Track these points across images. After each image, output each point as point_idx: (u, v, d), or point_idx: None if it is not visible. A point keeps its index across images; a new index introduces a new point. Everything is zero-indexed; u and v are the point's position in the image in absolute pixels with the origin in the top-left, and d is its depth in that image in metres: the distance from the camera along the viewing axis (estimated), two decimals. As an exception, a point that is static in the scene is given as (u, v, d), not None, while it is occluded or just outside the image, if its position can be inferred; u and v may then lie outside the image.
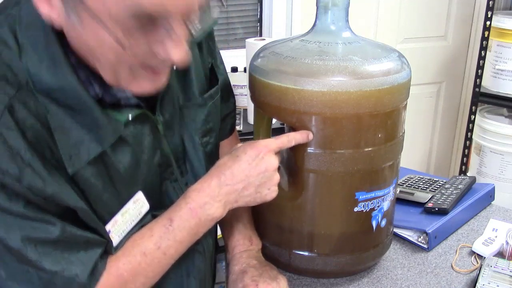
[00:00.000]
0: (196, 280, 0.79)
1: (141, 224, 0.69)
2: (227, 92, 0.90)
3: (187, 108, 0.75)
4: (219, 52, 0.88)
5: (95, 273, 0.63)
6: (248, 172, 0.71)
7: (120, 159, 0.65)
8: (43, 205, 0.58)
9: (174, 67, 0.68)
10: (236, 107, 1.84)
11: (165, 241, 0.67)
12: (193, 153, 0.76)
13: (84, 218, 0.62)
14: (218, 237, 0.94)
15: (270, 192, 0.74)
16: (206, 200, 0.69)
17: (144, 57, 0.56)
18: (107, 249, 0.66)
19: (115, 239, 0.66)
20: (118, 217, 0.66)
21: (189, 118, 0.75)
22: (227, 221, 0.88)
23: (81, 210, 0.61)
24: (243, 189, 0.71)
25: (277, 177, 0.74)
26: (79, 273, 0.61)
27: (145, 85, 0.60)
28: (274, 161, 0.73)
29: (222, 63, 0.88)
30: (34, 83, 0.57)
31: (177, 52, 0.55)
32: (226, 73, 0.89)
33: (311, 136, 0.76)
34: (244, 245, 0.84)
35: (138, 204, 0.68)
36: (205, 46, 0.81)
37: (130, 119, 0.63)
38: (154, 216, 0.70)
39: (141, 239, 0.67)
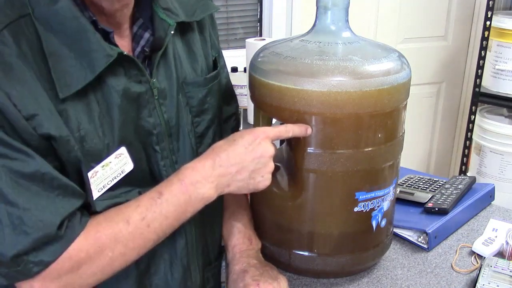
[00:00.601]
0: (179, 267, 0.78)
1: (126, 197, 0.69)
2: (230, 96, 0.90)
3: (188, 84, 0.77)
4: (223, 57, 0.89)
5: (70, 228, 0.62)
6: (244, 156, 0.71)
7: (109, 107, 0.66)
8: (26, 137, 0.58)
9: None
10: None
11: (151, 213, 0.66)
12: (185, 131, 0.76)
13: (64, 149, 0.62)
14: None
15: (263, 180, 0.73)
16: (198, 179, 0.69)
17: None
18: (87, 207, 0.65)
19: (94, 193, 0.65)
20: (98, 168, 0.65)
21: (188, 94, 0.77)
22: (227, 221, 0.88)
23: (63, 139, 0.61)
24: (237, 173, 0.71)
25: (271, 165, 0.74)
26: (49, 219, 0.60)
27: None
28: (270, 148, 0.73)
29: (226, 66, 0.89)
30: (33, 10, 0.61)
31: None
32: (229, 76, 0.90)
33: (309, 130, 0.76)
34: (244, 244, 0.84)
35: (121, 161, 0.68)
36: (209, 38, 0.84)
37: (124, 53, 0.65)
38: (140, 194, 0.70)
39: (127, 208, 0.67)
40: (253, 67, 0.82)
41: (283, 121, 0.83)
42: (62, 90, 0.61)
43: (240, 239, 0.85)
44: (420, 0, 2.18)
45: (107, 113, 0.66)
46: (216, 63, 0.85)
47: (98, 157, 0.65)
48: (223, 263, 0.91)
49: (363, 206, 0.80)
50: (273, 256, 0.87)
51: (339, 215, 0.81)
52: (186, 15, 0.76)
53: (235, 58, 1.85)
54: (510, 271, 0.83)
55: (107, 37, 0.66)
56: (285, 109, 0.77)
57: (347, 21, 0.81)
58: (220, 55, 0.88)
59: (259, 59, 0.82)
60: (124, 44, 0.72)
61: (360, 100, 0.74)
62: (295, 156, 0.80)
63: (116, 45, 0.66)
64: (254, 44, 1.54)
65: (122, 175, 0.68)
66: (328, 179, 0.79)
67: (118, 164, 0.68)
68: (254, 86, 0.82)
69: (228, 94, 0.90)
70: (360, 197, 0.79)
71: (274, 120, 0.91)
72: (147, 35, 0.73)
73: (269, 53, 0.81)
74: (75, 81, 0.62)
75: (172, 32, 0.73)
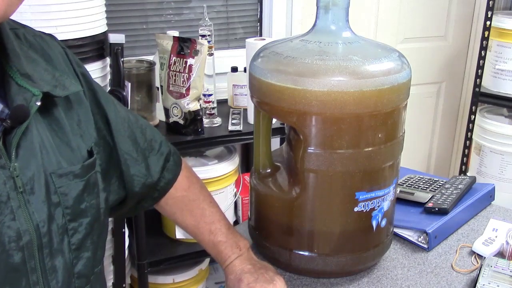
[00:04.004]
0: None
1: None
2: (153, 143, 0.81)
3: (60, 176, 0.60)
4: (132, 115, 0.79)
5: None
6: None
7: None
8: None
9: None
10: (236, 107, 1.84)
11: None
12: (56, 243, 0.58)
13: None
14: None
15: None
16: None
17: None
18: None
19: None
20: None
21: (61, 190, 0.60)
22: (208, 240, 0.85)
23: None
24: None
25: None
26: None
27: None
28: None
29: (134, 118, 0.80)
30: None
31: None
32: (146, 125, 0.81)
33: None
34: (234, 254, 0.83)
35: None
36: (94, 105, 0.71)
37: None
38: None
39: None
40: (253, 67, 0.82)
41: (283, 121, 0.83)
42: None
43: (229, 252, 0.83)
44: (420, 0, 2.18)
45: None
46: (110, 130, 0.72)
47: None
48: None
49: (363, 206, 0.80)
50: (273, 256, 0.87)
51: (339, 215, 0.81)
52: (51, 86, 0.60)
53: (235, 58, 1.85)
54: (510, 271, 0.83)
55: None
56: (285, 109, 0.77)
57: (347, 21, 0.81)
58: (121, 113, 0.75)
59: (259, 59, 0.82)
60: None
61: (360, 100, 0.74)
62: (295, 156, 0.80)
63: None
64: (254, 44, 1.54)
65: None
66: (328, 179, 0.79)
67: None
68: (254, 86, 0.82)
69: (150, 138, 0.80)
70: (360, 197, 0.79)
71: (274, 120, 0.91)
72: None
73: (269, 53, 0.81)
74: None
75: (39, 103, 0.57)
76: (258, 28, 2.01)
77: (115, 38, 1.31)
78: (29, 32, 0.66)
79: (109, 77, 1.35)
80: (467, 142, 2.09)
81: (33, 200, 0.56)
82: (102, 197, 0.68)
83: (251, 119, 1.64)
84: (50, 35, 0.70)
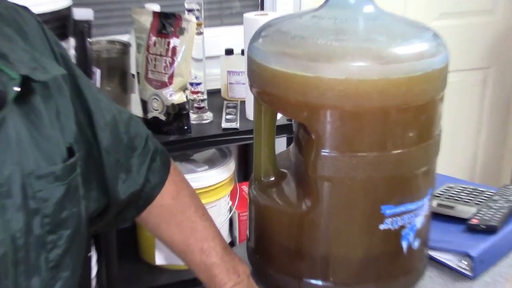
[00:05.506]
0: None
1: None
2: (137, 139, 0.83)
3: (40, 178, 0.61)
4: (114, 105, 0.81)
5: None
6: None
7: None
8: None
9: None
10: (232, 99, 1.84)
11: None
12: (33, 259, 0.60)
13: None
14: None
15: None
16: None
17: None
18: None
19: None
20: None
21: (39, 194, 0.61)
22: (198, 261, 0.85)
23: None
24: None
25: None
26: None
27: None
28: None
29: (117, 109, 0.81)
30: None
31: None
32: (130, 118, 0.83)
33: None
34: (231, 280, 0.83)
35: None
36: (74, 93, 0.73)
37: None
38: None
39: None
40: (253, 49, 0.82)
41: (290, 116, 0.83)
42: None
43: (224, 277, 0.83)
44: (461, -35, 2.19)
45: None
46: (92, 125, 0.74)
47: None
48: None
49: (390, 222, 0.80)
50: (279, 285, 0.88)
51: (361, 235, 0.82)
52: (30, 69, 0.61)
53: (230, 38, 1.85)
54: None
55: None
56: (292, 101, 0.77)
57: (370, -9, 0.82)
58: (104, 105, 0.77)
59: (261, 39, 0.82)
60: None
61: (386, 90, 0.74)
62: (306, 161, 0.80)
63: None
64: (254, 20, 1.54)
65: None
66: (347, 189, 0.79)
67: None
68: (254, 73, 0.83)
69: (135, 133, 0.82)
70: (387, 212, 0.80)
71: (279, 115, 0.91)
72: None
73: (273, 32, 0.82)
74: None
75: (18, 88, 0.58)
76: (259, 0, 2.01)
77: (81, 14, 1.31)
78: (1, 4, 0.67)
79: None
80: (521, 142, 2.10)
81: (10, 205, 0.57)
82: (83, 204, 0.69)
83: (250, 114, 1.65)
84: (24, 7, 0.71)
